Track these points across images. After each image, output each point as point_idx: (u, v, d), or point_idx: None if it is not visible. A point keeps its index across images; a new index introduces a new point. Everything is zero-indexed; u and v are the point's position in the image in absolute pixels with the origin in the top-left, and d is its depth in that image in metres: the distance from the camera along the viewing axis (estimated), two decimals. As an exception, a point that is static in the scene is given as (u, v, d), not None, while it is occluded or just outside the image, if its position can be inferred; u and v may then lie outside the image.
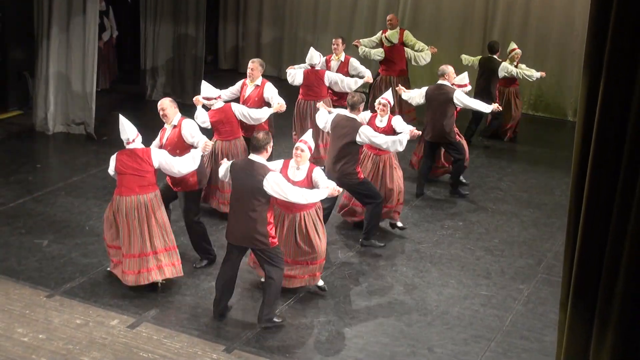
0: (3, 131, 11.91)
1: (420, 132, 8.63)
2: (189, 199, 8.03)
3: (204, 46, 13.77)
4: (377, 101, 9.08)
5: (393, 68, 12.28)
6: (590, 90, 5.02)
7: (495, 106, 10.15)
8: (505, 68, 11.62)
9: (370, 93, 12.41)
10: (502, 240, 9.08)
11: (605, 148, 4.98)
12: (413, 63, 12.43)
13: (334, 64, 11.09)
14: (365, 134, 8.19)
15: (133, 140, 7.41)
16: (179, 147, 7.88)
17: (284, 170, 7.29)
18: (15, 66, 12.41)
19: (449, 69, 10.02)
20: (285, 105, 9.37)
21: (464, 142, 10.30)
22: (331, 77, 10.54)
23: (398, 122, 8.89)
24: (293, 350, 6.78)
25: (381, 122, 8.95)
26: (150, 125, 10.52)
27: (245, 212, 6.78)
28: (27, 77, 12.46)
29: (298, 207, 7.24)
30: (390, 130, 8.78)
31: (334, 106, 10.54)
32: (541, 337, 7.14)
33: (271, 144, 6.94)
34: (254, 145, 6.87)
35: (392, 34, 12.26)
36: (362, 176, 8.40)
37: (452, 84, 10.02)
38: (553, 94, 13.90)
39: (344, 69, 11.05)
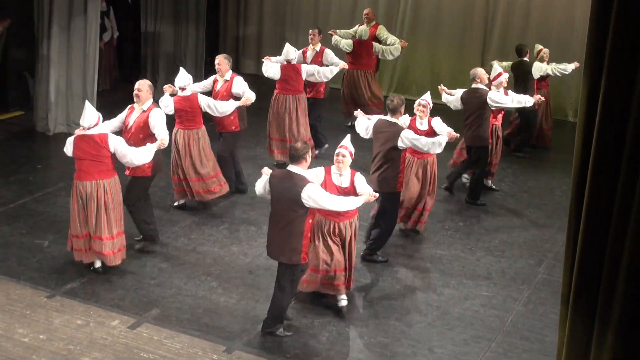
0: (4, 131, 11.92)
1: (457, 135, 8.47)
2: (138, 184, 8.15)
3: (204, 47, 13.79)
4: (416, 102, 8.87)
5: (360, 62, 12.32)
6: (590, 91, 5.02)
7: (537, 97, 10.09)
8: (539, 68, 11.48)
9: (341, 95, 12.52)
10: (503, 240, 9.08)
11: (606, 148, 4.98)
12: (380, 57, 12.50)
13: (310, 53, 11.29)
14: (407, 138, 7.96)
15: (93, 126, 7.55)
16: (144, 132, 8.04)
17: (327, 177, 7.14)
18: (16, 66, 12.42)
19: (479, 71, 9.84)
20: (252, 99, 9.44)
21: (497, 150, 10.20)
22: (307, 69, 10.64)
23: (438, 123, 8.69)
24: (293, 350, 6.79)
25: (421, 124, 8.74)
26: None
27: (282, 224, 6.65)
28: (28, 78, 12.46)
29: (342, 215, 7.09)
30: (431, 133, 8.57)
31: (307, 99, 10.81)
32: (542, 337, 7.14)
33: (310, 153, 6.74)
34: (292, 155, 6.68)
35: (362, 31, 12.35)
36: (400, 187, 8.24)
37: (488, 84, 9.84)
38: (553, 95, 13.87)
39: (318, 58, 11.23)
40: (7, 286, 7.57)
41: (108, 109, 12.54)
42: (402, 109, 8.24)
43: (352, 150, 7.28)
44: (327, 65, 10.98)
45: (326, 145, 11.31)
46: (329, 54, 11.26)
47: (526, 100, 9.84)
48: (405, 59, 14.69)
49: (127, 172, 8.09)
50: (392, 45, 12.39)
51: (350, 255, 7.33)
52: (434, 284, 8.04)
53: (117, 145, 7.58)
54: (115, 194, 7.70)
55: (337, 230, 7.21)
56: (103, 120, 7.79)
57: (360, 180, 7.18)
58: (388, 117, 8.22)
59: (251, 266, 8.20)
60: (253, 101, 9.48)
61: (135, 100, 8.19)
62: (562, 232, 8.76)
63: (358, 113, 8.68)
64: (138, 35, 14.22)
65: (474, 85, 9.81)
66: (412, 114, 8.89)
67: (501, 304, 7.71)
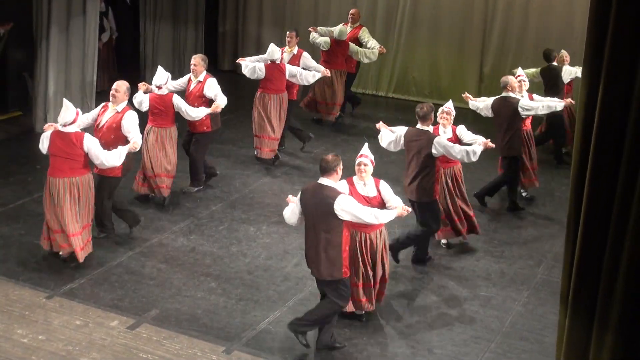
0: (3, 132, 11.91)
1: (493, 145, 8.33)
2: (108, 183, 8.25)
3: (203, 47, 13.80)
4: (439, 110, 8.61)
5: (335, 61, 12.34)
6: (589, 91, 5.03)
7: (568, 101, 10.09)
8: (569, 72, 11.34)
9: (310, 88, 12.50)
10: (502, 241, 9.08)
11: (605, 148, 4.98)
12: (354, 58, 12.54)
13: (286, 56, 11.30)
14: (440, 145, 7.83)
15: (70, 124, 7.66)
16: (115, 133, 8.18)
17: (352, 188, 6.99)
18: (15, 67, 12.41)
19: (510, 79, 9.68)
20: (222, 105, 9.53)
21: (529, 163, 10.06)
22: (291, 70, 10.72)
23: (464, 131, 8.46)
24: (292, 351, 6.78)
25: (445, 132, 8.44)
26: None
27: (319, 240, 6.47)
28: (27, 78, 12.46)
29: (370, 225, 6.89)
30: (456, 141, 8.31)
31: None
32: (541, 338, 7.14)
33: (341, 165, 6.57)
34: (323, 168, 6.54)
35: (341, 31, 12.36)
36: (437, 196, 8.17)
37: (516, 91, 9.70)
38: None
39: (295, 61, 11.25)
40: (6, 287, 7.57)
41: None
42: (432, 116, 8.08)
43: (373, 158, 7.10)
44: (304, 69, 11.04)
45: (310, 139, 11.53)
46: (307, 57, 11.31)
47: (556, 105, 9.75)
48: (405, 59, 14.72)
49: (95, 170, 8.15)
50: (371, 49, 12.47)
51: (383, 267, 7.13)
52: (433, 284, 8.04)
53: (92, 146, 7.71)
54: (87, 190, 7.81)
55: (368, 242, 7.01)
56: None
57: (386, 188, 7.03)
58: (418, 126, 8.06)
59: (250, 267, 8.20)
60: (223, 107, 9.58)
61: (111, 99, 8.33)
62: (562, 232, 8.73)
63: (381, 126, 8.49)
64: (137, 36, 14.22)
65: (504, 94, 9.60)
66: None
67: (500, 304, 7.71)
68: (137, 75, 14.26)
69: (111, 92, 8.33)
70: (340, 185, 6.80)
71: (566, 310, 5.38)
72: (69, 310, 7.22)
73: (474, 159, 7.99)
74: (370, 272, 7.09)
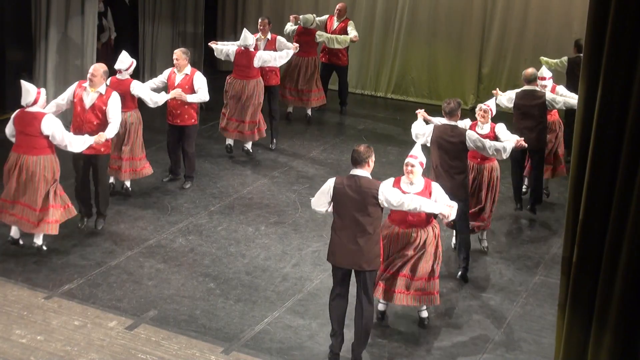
0: (1, 132, 11.88)
1: (526, 145, 8.23)
2: (103, 161, 8.68)
3: (202, 47, 13.78)
4: (477, 107, 8.58)
5: (306, 50, 12.45)
6: (588, 91, 5.04)
7: None
8: None
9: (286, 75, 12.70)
10: (500, 242, 9.09)
11: (603, 150, 5.00)
12: (329, 45, 12.70)
13: (261, 43, 11.44)
14: (471, 139, 7.79)
15: (32, 104, 7.82)
16: (100, 117, 8.38)
17: (396, 186, 6.91)
18: (13, 67, 12.39)
19: (538, 73, 9.62)
20: (180, 94, 9.53)
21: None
22: (263, 57, 10.79)
23: (502, 130, 8.40)
24: (291, 352, 6.79)
25: (482, 129, 8.41)
26: (149, 126, 10.56)
27: (357, 231, 6.40)
28: (25, 78, 12.44)
29: (416, 222, 6.87)
30: (493, 138, 8.28)
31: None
32: (539, 338, 7.15)
33: (373, 157, 6.53)
34: (355, 159, 6.48)
35: (306, 20, 12.53)
36: (468, 194, 8.11)
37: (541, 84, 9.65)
38: (551, 95, 13.93)
39: (271, 47, 11.39)
40: (4, 287, 7.57)
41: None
42: (459, 112, 7.99)
43: (424, 160, 6.97)
44: (280, 50, 11.18)
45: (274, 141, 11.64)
46: (281, 40, 11.40)
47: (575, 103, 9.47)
48: (403, 60, 14.71)
49: (86, 152, 8.27)
50: (345, 34, 12.68)
51: (432, 263, 7.00)
52: (432, 285, 8.05)
53: (54, 129, 7.81)
54: (50, 171, 7.88)
55: (410, 239, 6.93)
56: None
57: (439, 191, 6.92)
58: (445, 121, 7.99)
59: (249, 267, 8.21)
60: (178, 95, 9.55)
61: (90, 84, 8.44)
62: (560, 233, 8.77)
63: (421, 113, 8.41)
64: (136, 36, 14.20)
65: (530, 87, 9.45)
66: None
67: (498, 305, 7.72)
68: (136, 75, 14.25)
69: (88, 75, 8.44)
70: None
71: (564, 311, 5.39)
72: (67, 311, 7.22)
73: (504, 155, 7.90)
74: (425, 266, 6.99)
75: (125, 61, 9.39)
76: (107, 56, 14.33)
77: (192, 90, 9.72)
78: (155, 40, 13.77)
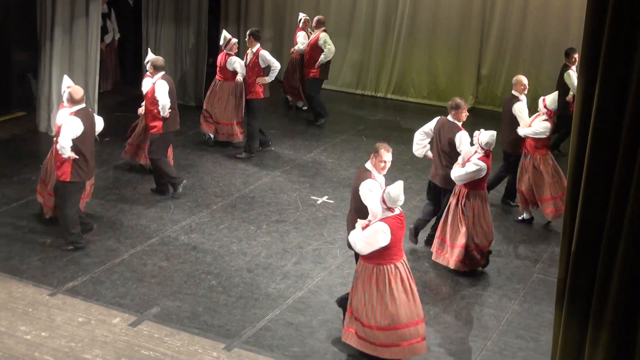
0: (7, 132, 12.00)
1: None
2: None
3: (206, 49, 13.86)
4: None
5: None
6: (586, 91, 5.09)
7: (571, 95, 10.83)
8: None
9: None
10: (499, 240, 9.14)
11: (601, 149, 5.04)
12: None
13: (249, 55, 11.64)
14: (460, 140, 8.32)
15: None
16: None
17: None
18: (19, 67, 12.49)
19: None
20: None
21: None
22: (233, 64, 11.45)
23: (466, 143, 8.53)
24: (292, 348, 6.86)
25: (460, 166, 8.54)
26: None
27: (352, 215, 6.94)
28: (30, 79, 12.54)
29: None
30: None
31: (247, 101, 11.52)
32: (537, 336, 7.22)
33: (374, 157, 6.86)
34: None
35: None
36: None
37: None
38: (550, 96, 13.97)
39: (255, 59, 11.55)
40: (9, 284, 7.65)
41: (109, 110, 12.67)
42: (461, 111, 8.40)
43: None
44: (264, 68, 11.35)
45: (272, 147, 11.77)
46: (264, 54, 11.47)
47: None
48: (403, 61, 14.78)
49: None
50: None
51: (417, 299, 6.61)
52: (431, 283, 8.12)
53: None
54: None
55: (398, 273, 6.47)
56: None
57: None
58: (449, 117, 8.48)
59: (250, 265, 8.28)
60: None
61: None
62: (558, 231, 8.83)
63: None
64: (139, 37, 14.29)
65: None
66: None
67: (497, 303, 7.79)
68: (139, 76, 14.33)
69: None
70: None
71: (562, 309, 5.43)
72: (71, 308, 7.30)
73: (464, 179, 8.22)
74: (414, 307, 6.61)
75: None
76: (111, 57, 14.44)
77: (152, 98, 9.65)
78: (158, 41, 13.84)
